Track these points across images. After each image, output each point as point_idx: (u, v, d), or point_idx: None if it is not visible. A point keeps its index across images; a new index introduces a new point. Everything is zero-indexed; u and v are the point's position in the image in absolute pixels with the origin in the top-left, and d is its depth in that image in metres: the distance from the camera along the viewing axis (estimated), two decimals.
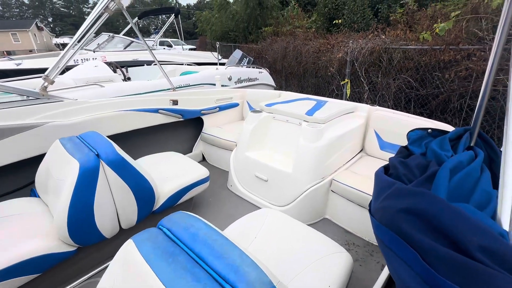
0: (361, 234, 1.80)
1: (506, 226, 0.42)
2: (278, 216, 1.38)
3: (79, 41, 1.81)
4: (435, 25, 3.47)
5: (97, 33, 6.37)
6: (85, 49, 5.67)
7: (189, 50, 11.15)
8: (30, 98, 1.69)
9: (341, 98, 5.52)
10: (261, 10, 11.94)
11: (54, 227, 1.24)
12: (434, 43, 3.63)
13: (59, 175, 1.29)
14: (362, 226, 1.78)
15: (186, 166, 1.92)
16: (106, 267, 1.45)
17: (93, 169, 1.24)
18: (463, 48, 3.32)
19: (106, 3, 1.73)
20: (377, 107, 2.29)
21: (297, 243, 1.21)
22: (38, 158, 1.56)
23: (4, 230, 1.22)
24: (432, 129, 1.03)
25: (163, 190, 1.62)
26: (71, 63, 5.06)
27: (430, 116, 4.01)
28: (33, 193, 1.66)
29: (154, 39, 7.37)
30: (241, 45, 11.00)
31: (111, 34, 5.94)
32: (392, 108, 4.49)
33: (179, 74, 4.55)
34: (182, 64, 5.42)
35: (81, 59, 5.12)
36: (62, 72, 4.00)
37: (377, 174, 0.74)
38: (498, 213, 0.44)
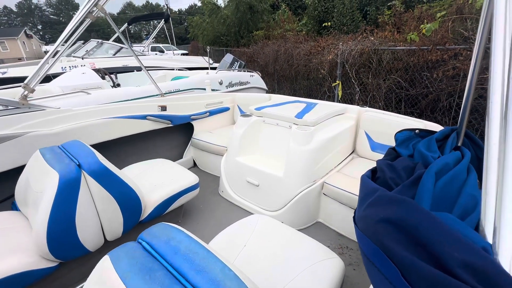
0: (355, 237, 1.78)
1: (489, 238, 0.40)
2: (269, 222, 1.35)
3: (62, 45, 1.76)
4: (421, 26, 3.52)
5: (86, 40, 6.30)
6: (73, 56, 5.58)
7: (181, 55, 11.11)
8: (10, 107, 1.63)
9: (333, 100, 5.55)
10: (252, 14, 12.01)
11: (33, 242, 1.19)
12: (421, 43, 3.68)
13: (38, 187, 1.24)
14: None
15: (175, 173, 1.87)
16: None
17: (74, 180, 1.19)
18: (450, 48, 3.37)
19: (88, 9, 1.69)
20: (367, 108, 2.29)
21: (288, 250, 1.18)
22: (19, 170, 1.50)
23: None
24: (419, 129, 1.02)
25: (150, 199, 1.57)
26: (59, 70, 4.98)
27: (420, 115, 4.05)
28: (14, 207, 1.59)
29: (144, 45, 7.31)
30: (233, 49, 11.02)
31: (99, 40, 5.87)
32: (383, 109, 4.53)
33: (170, 79, 4.51)
34: (173, 69, 5.37)
35: (69, 66, 5.03)
36: (49, 80, 3.93)
37: (362, 178, 0.72)
38: (482, 224, 0.42)
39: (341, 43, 5.08)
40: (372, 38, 4.70)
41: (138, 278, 0.62)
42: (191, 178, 1.84)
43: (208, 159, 2.63)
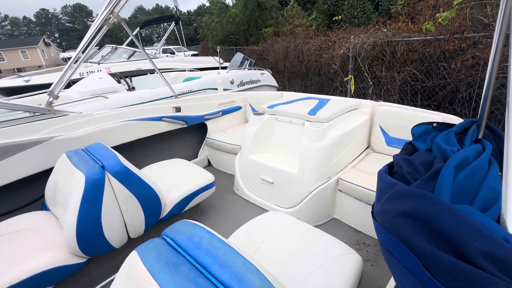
0: (371, 233, 1.77)
1: (510, 229, 0.40)
2: (285, 218, 1.37)
3: (82, 53, 1.85)
4: (437, 14, 3.38)
5: (101, 46, 6.51)
6: (90, 62, 5.79)
7: (191, 56, 11.26)
8: (37, 114, 1.74)
9: (346, 95, 5.46)
10: (260, 12, 11.96)
11: (63, 239, 1.27)
12: (437, 33, 3.55)
13: (66, 188, 1.31)
14: (372, 225, 1.74)
15: (191, 172, 1.93)
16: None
17: (99, 181, 1.26)
18: (468, 36, 3.23)
19: (105, 17, 1.76)
20: (382, 102, 2.25)
21: (305, 245, 1.20)
22: (47, 172, 1.60)
23: (16, 244, 1.25)
24: (437, 123, 1.00)
25: (169, 198, 1.63)
26: (76, 76, 5.19)
27: (438, 107, 3.92)
28: (44, 207, 1.69)
29: (156, 47, 7.47)
30: (243, 47, 11.04)
31: (114, 45, 6.06)
32: (398, 102, 4.41)
33: (182, 80, 4.59)
34: (185, 71, 5.47)
35: (87, 72, 5.23)
36: (68, 86, 4.11)
37: (379, 173, 0.72)
38: (502, 215, 0.42)
39: (352, 37, 4.97)
40: (385, 30, 4.58)
41: (165, 271, 0.66)
42: (207, 177, 1.88)
43: (223, 158, 2.68)
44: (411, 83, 4.16)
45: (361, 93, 5.19)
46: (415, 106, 3.64)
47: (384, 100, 2.33)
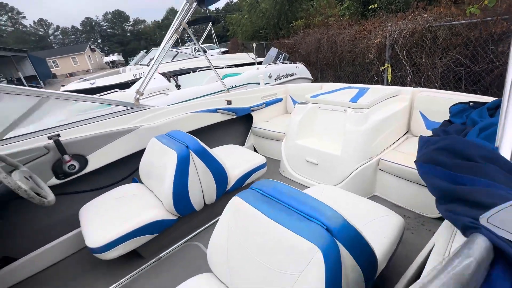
0: (412, 208, 1.94)
1: (498, 145, 0.64)
2: (334, 189, 1.62)
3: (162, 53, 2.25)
4: None
5: (148, 50, 7.20)
6: (140, 64, 6.48)
7: (221, 53, 11.73)
8: (128, 108, 2.19)
9: (382, 84, 5.41)
10: (290, 4, 11.98)
11: (161, 202, 1.67)
12: (483, 15, 3.43)
13: (160, 163, 1.71)
14: (413, 200, 1.91)
15: (246, 155, 2.26)
16: (199, 232, 1.85)
17: (186, 157, 1.63)
18: None
19: (176, 27, 2.15)
20: (421, 88, 2.35)
21: (353, 208, 1.44)
22: (137, 154, 2.04)
23: (127, 205, 1.68)
24: (473, 102, 1.18)
25: (232, 174, 1.98)
26: (131, 78, 5.89)
27: (485, 93, 3.78)
28: (134, 180, 2.15)
29: (193, 47, 7.99)
30: (273, 42, 11.19)
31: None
32: (440, 89, 4.31)
33: (221, 77, 4.98)
34: (222, 68, 5.87)
35: (139, 73, 5.90)
36: (128, 86, 4.72)
37: (420, 137, 0.95)
38: (497, 141, 0.64)
39: (389, 25, 4.92)
40: (425, 15, 4.46)
41: (264, 205, 0.97)
42: (260, 159, 2.20)
43: (267, 145, 2.98)
44: (454, 69, 4.05)
45: (398, 82, 5.12)
46: (459, 92, 3.57)
47: (424, 87, 2.41)
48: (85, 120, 1.97)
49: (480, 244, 0.48)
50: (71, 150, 1.76)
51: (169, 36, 2.18)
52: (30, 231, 1.70)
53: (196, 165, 1.71)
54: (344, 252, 0.82)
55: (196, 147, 1.70)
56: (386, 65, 5.12)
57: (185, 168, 1.64)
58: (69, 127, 1.86)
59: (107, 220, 1.54)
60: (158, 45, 7.73)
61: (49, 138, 1.67)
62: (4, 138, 1.60)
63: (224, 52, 13.93)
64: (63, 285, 1.63)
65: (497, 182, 0.54)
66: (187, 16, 2.18)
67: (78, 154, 1.80)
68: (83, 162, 1.83)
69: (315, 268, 0.78)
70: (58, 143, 1.68)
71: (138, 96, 2.17)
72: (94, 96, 2.14)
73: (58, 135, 1.71)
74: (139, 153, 2.00)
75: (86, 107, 2.59)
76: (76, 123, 1.93)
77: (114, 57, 38.26)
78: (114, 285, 1.56)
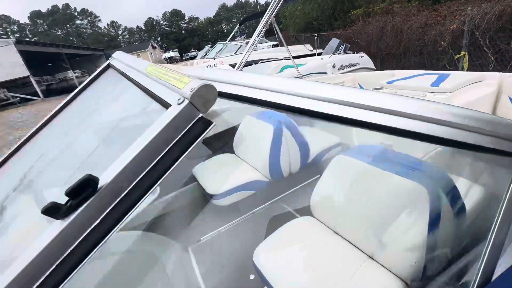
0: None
1: None
2: None
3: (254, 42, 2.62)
4: None
5: (213, 44, 7.86)
6: (206, 58, 7.13)
7: (272, 46, 11.94)
8: None
9: None
10: None
11: (257, 167, 2.03)
12: None
13: (256, 136, 2.07)
14: None
15: (321, 135, 2.49)
16: (286, 194, 2.18)
17: (280, 130, 1.95)
18: None
19: (267, 20, 2.48)
20: (511, 73, 2.25)
21: None
22: (229, 130, 2.45)
23: (229, 170, 2.08)
24: None
25: (314, 148, 2.24)
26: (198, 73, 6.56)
27: None
28: (226, 151, 2.58)
29: (253, 40, 8.40)
30: (326, 33, 10.97)
31: (224, 42, 7.24)
32: None
33: (280, 68, 5.24)
34: (281, 60, 6.12)
35: (206, 66, 6.53)
36: None
37: None
38: None
39: (469, 8, 4.52)
40: None
41: (366, 160, 1.21)
42: (333, 139, 2.41)
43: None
44: None
45: (477, 71, 4.70)
46: None
47: None
48: None
49: None
50: None
51: (260, 29, 2.52)
52: None
53: (286, 137, 2.02)
54: (444, 200, 1.02)
55: (286, 122, 2.00)
56: (463, 53, 4.73)
57: (279, 140, 1.96)
58: None
59: (221, 177, 1.96)
60: (210, 40, 8.41)
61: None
62: None
63: (274, 46, 14.15)
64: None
65: None
66: (275, 10, 2.48)
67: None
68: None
69: (420, 204, 1.00)
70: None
71: None
72: None
73: None
74: (231, 129, 2.41)
75: None
76: None
77: (171, 53, 41.67)
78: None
